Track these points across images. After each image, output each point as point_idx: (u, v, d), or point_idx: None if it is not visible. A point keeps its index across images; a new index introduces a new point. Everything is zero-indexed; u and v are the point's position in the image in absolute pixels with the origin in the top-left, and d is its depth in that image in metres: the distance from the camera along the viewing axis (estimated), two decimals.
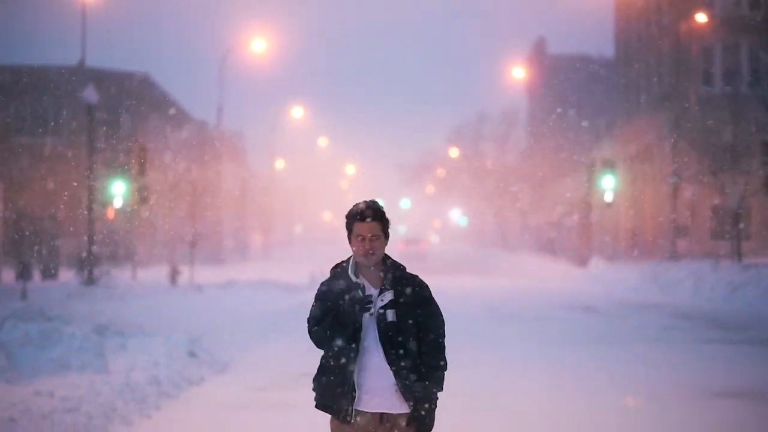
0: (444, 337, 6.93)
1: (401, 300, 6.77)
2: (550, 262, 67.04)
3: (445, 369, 6.90)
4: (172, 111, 67.93)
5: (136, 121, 59.95)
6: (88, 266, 38.61)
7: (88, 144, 40.10)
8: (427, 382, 6.75)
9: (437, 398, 6.85)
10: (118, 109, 58.40)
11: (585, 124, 77.48)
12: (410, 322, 6.76)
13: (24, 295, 31.23)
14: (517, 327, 26.52)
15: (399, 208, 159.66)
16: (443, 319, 6.96)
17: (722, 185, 45.20)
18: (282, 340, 22.02)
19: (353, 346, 6.73)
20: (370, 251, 6.72)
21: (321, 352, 6.88)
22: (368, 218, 6.75)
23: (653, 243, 57.40)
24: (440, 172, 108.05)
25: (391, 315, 6.74)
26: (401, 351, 6.72)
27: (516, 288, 44.15)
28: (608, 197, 49.55)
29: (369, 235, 6.72)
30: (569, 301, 36.09)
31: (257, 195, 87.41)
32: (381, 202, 6.60)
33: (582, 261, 59.73)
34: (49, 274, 43.99)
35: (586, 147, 74.33)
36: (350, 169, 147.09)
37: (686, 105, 54.00)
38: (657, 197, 58.08)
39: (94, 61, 53.43)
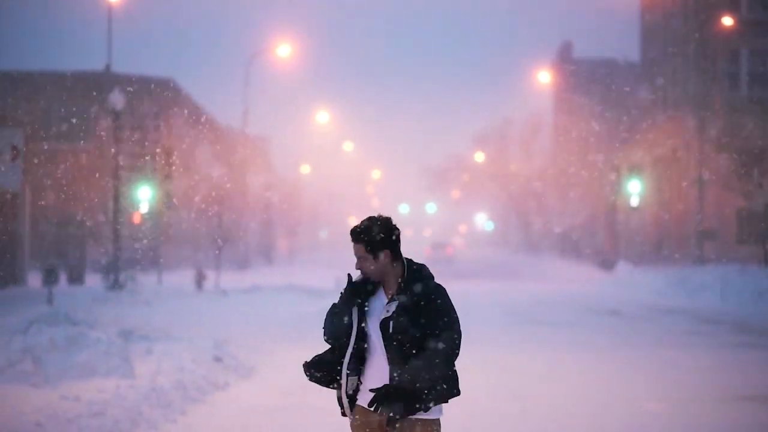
0: (454, 345, 6.73)
1: (409, 309, 6.77)
2: (576, 266, 66.92)
3: (437, 370, 6.64)
4: (197, 115, 68.11)
5: (162, 126, 60.11)
6: (113, 271, 38.74)
7: (114, 149, 40.27)
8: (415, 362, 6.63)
9: (410, 384, 6.62)
10: (144, 114, 58.56)
11: (610, 128, 77.34)
12: (417, 330, 6.74)
13: (50, 299, 31.35)
14: (542, 331, 26.48)
15: (424, 213, 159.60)
16: (458, 329, 6.79)
17: (749, 189, 45.02)
18: (307, 344, 22.00)
19: (349, 345, 6.87)
20: (361, 269, 6.92)
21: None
22: (353, 240, 6.95)
23: (679, 247, 57.22)
24: (465, 176, 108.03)
25: (394, 324, 6.76)
26: (404, 359, 6.70)
27: (541, 292, 44.08)
28: (634, 201, 49.44)
29: (357, 256, 6.92)
30: (595, 305, 36.03)
31: (283, 199, 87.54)
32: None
33: (608, 265, 59.58)
34: (75, 278, 44.14)
35: (611, 151, 74.16)
36: (376, 174, 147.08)
37: (712, 109, 53.83)
38: (683, 201, 57.90)
39: (119, 66, 53.73)
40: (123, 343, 16.50)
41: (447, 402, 6.82)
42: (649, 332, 26.40)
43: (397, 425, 6.80)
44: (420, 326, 6.74)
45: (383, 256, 6.88)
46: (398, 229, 6.98)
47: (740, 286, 37.03)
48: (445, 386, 6.76)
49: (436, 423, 6.84)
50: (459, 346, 6.74)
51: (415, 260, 7.07)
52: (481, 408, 14.51)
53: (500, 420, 13.88)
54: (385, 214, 7.03)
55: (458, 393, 6.84)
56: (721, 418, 14.14)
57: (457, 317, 6.83)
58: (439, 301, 6.83)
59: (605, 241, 68.22)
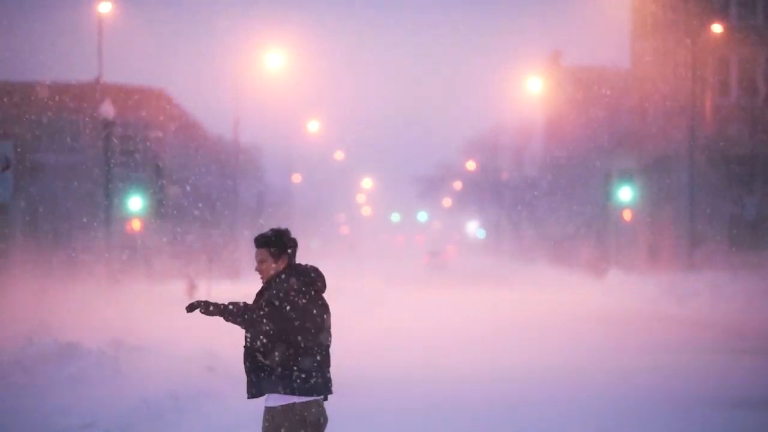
0: (250, 315, 7.76)
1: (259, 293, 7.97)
2: (568, 273, 66.90)
3: (226, 310, 7.84)
4: (188, 125, 68.08)
5: (153, 136, 60.08)
6: (105, 280, 38.66)
7: (106, 159, 40.22)
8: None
9: (206, 307, 7.94)
10: (135, 124, 58.52)
11: (601, 135, 77.43)
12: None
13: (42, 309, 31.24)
14: (534, 338, 26.48)
15: (416, 221, 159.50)
16: (259, 314, 7.70)
17: (739, 196, 45.07)
18: None
19: None
20: (258, 272, 8.00)
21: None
22: (256, 246, 8.09)
23: (670, 254, 57.26)
24: (457, 184, 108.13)
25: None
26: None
27: (534, 300, 44.08)
28: (625, 208, 49.49)
29: (258, 259, 8.03)
30: (587, 312, 36.02)
31: (274, 209, 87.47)
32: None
33: (599, 272, 59.56)
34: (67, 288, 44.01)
35: (602, 158, 74.21)
36: (367, 183, 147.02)
37: (702, 116, 53.90)
38: (674, 208, 57.95)
39: (110, 76, 53.56)
40: (114, 354, 16.49)
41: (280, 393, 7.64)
42: (641, 339, 26.41)
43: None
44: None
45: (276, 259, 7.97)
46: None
47: (731, 292, 37.06)
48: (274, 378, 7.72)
49: (269, 410, 7.76)
50: (251, 320, 7.73)
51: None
52: (475, 414, 14.52)
53: (494, 425, 13.89)
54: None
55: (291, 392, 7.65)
56: (712, 423, 14.16)
57: (268, 309, 7.67)
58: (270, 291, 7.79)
59: (597, 249, 68.20)
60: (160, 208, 41.83)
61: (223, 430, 13.85)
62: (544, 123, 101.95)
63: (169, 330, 25.66)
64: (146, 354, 18.25)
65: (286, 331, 7.63)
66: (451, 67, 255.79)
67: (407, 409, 15.36)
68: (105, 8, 42.98)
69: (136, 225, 42.04)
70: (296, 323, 7.63)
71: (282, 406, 7.69)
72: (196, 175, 64.67)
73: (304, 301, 7.71)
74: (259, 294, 7.91)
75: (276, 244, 8.01)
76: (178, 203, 56.66)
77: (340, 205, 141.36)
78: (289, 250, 8.01)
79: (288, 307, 7.64)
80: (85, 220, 51.63)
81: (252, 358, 7.82)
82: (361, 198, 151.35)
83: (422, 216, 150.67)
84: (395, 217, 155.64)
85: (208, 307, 7.85)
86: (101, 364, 15.39)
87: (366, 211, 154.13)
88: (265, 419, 7.80)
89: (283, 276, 7.85)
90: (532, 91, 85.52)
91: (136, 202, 39.85)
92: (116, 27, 51.36)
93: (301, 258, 8.04)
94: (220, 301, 7.91)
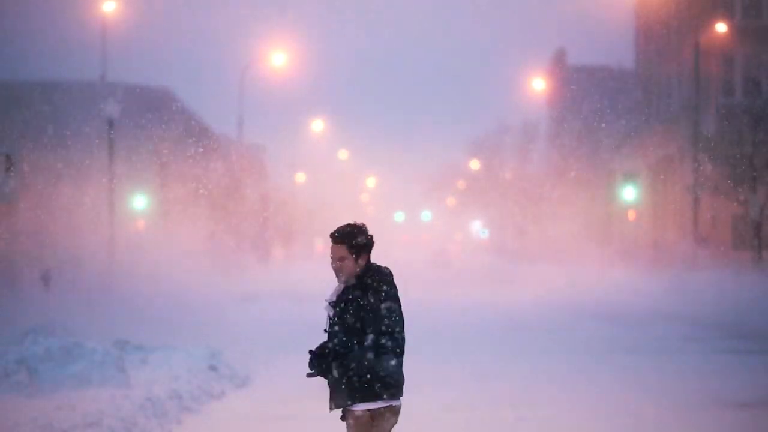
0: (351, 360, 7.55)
1: (336, 310, 7.63)
2: (571, 273, 66.90)
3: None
4: (192, 124, 68.07)
5: (157, 135, 60.07)
6: (108, 280, 38.68)
7: (109, 158, 40.22)
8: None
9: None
10: (139, 123, 58.52)
11: (606, 135, 77.42)
12: (336, 329, 7.64)
13: (44, 309, 31.27)
14: (538, 337, 26.48)
15: (420, 221, 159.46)
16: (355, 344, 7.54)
17: (743, 195, 45.05)
18: (302, 352, 21.96)
19: None
20: (338, 271, 7.58)
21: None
22: (334, 241, 7.61)
23: (674, 253, 57.26)
24: (461, 184, 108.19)
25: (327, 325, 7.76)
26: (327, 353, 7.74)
27: (537, 298, 44.06)
28: (629, 208, 49.49)
29: (335, 256, 7.60)
30: (590, 311, 36.00)
31: (278, 208, 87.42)
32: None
33: (602, 272, 59.56)
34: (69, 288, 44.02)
35: (606, 158, 74.21)
36: (371, 182, 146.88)
37: (706, 115, 53.87)
38: (678, 207, 57.95)
39: (114, 75, 53.63)
40: (118, 353, 16.49)
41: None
42: (645, 338, 26.40)
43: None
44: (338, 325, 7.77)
45: (356, 258, 7.56)
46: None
47: (735, 291, 37.05)
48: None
49: (349, 414, 7.65)
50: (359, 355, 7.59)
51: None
52: (479, 415, 14.53)
53: (497, 427, 13.89)
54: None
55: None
56: (716, 423, 14.15)
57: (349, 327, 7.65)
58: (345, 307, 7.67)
59: (600, 248, 68.19)
60: (163, 207, 41.83)
61: (225, 429, 13.86)
62: (548, 122, 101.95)
63: (173, 328, 25.70)
64: (150, 353, 18.26)
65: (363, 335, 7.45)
66: (455, 66, 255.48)
67: (414, 410, 15.36)
68: (109, 7, 43.04)
69: (139, 224, 42.10)
70: (373, 327, 7.50)
71: (364, 410, 7.60)
72: (200, 174, 64.67)
73: (381, 303, 7.52)
74: (339, 309, 7.60)
75: (356, 239, 7.59)
76: (181, 202, 56.64)
77: (345, 205, 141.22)
78: (365, 249, 7.61)
79: (370, 315, 7.50)
80: (88, 218, 51.68)
81: (342, 366, 7.67)
82: (365, 197, 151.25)
83: (426, 215, 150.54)
84: (399, 217, 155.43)
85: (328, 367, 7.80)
86: (106, 363, 15.39)
87: (370, 210, 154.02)
88: (348, 424, 7.67)
89: (354, 283, 7.55)
90: (536, 90, 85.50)
91: (139, 201, 39.90)
92: (120, 26, 51.40)
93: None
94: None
